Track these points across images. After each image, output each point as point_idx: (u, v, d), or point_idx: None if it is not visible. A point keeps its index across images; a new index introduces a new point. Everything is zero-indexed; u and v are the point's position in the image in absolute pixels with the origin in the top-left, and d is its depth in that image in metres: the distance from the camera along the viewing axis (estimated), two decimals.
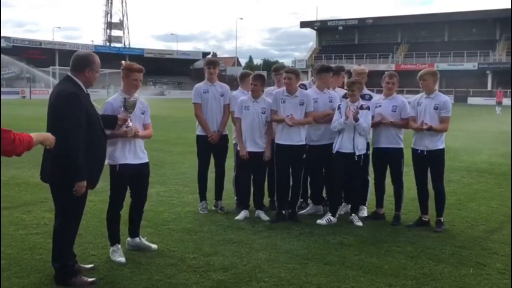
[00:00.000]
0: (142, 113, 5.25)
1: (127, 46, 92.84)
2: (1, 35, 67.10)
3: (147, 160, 5.21)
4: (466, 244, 5.74)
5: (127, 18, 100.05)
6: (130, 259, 5.03)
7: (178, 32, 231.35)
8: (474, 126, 23.90)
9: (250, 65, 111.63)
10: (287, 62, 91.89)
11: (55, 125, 4.20)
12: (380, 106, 6.67)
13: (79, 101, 4.24)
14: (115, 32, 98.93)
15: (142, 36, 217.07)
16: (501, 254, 5.41)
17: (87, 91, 4.48)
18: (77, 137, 4.15)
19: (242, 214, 6.66)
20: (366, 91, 6.97)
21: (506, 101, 56.08)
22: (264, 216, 6.64)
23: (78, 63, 4.44)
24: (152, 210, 6.98)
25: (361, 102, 6.50)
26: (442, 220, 6.41)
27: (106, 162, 4.79)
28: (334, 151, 6.54)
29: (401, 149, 6.66)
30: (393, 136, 6.61)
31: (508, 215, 7.16)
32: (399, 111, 6.60)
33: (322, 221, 6.50)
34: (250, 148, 6.63)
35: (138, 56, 75.52)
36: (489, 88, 63.01)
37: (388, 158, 6.68)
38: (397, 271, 4.88)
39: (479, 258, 5.29)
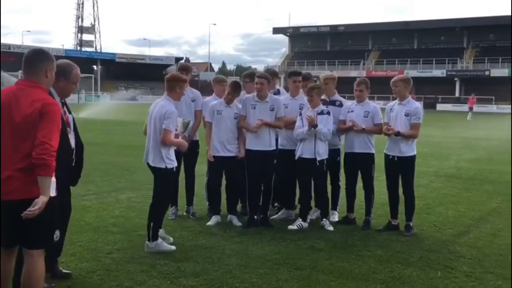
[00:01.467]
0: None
1: (99, 51, 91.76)
2: None
3: None
4: (434, 248, 5.85)
5: (98, 22, 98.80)
6: (100, 265, 4.97)
7: (150, 37, 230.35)
8: (443, 132, 24.36)
9: (223, 70, 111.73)
10: (260, 67, 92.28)
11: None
12: (352, 111, 6.74)
13: None
14: (87, 36, 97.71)
15: (114, 40, 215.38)
16: (468, 258, 5.52)
17: (63, 100, 4.42)
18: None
19: (214, 220, 6.65)
20: (337, 97, 7.05)
21: (476, 108, 57.46)
22: (236, 222, 6.64)
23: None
24: (122, 216, 6.93)
25: (322, 107, 6.58)
26: (411, 225, 6.51)
27: (163, 165, 5.41)
28: (296, 157, 6.60)
29: (372, 155, 6.74)
30: (364, 141, 6.68)
31: (475, 218, 7.32)
32: (371, 117, 6.68)
33: (293, 227, 6.53)
34: (222, 153, 6.63)
35: (109, 61, 74.85)
36: (457, 94, 64.40)
37: (359, 163, 6.75)
38: (367, 275, 4.93)
39: (446, 261, 5.38)
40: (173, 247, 5.52)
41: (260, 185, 6.64)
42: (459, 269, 5.16)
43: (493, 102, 59.93)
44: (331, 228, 6.52)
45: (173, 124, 5.46)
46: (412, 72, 65.90)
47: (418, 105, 6.65)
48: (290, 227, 6.53)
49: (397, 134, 6.36)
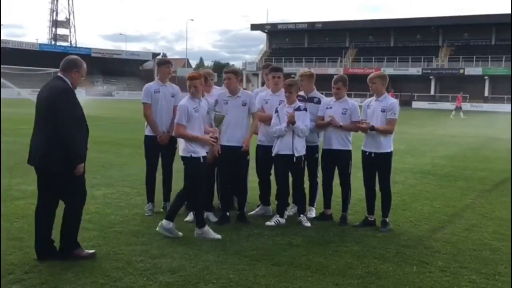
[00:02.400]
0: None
1: (74, 45, 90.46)
2: None
3: None
4: (410, 243, 5.91)
5: (73, 16, 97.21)
6: (74, 262, 4.89)
7: (127, 32, 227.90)
8: (418, 129, 24.66)
9: (200, 66, 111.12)
10: (238, 64, 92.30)
11: (46, 118, 4.80)
12: (331, 108, 6.74)
13: (73, 96, 4.93)
14: (61, 31, 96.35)
15: (89, 35, 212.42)
16: (443, 253, 5.59)
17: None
18: (72, 127, 4.79)
19: (191, 216, 6.60)
20: (316, 94, 7.04)
21: (451, 106, 58.35)
22: (212, 218, 6.61)
23: (66, 65, 5.01)
24: (98, 212, 6.83)
25: (298, 103, 6.58)
26: (388, 221, 6.57)
27: (188, 154, 5.78)
28: (273, 154, 6.60)
29: (349, 151, 6.77)
30: (341, 138, 6.69)
31: (450, 214, 7.42)
32: (350, 114, 6.68)
33: (270, 223, 6.53)
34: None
35: (85, 55, 73.67)
36: (432, 92, 65.27)
37: (336, 160, 6.77)
38: (344, 271, 4.96)
39: (422, 256, 5.44)
40: (219, 236, 5.84)
41: (231, 182, 6.64)
42: (434, 264, 5.22)
43: (468, 100, 60.85)
44: (308, 224, 6.53)
45: (183, 118, 5.79)
46: (388, 70, 66.57)
47: (395, 101, 6.71)
48: (268, 223, 6.52)
49: (372, 128, 6.40)
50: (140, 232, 5.99)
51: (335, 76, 6.91)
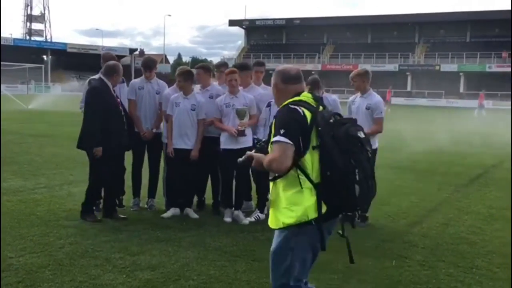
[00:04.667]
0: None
1: (49, 40, 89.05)
2: None
3: None
4: (389, 238, 5.96)
5: (48, 11, 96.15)
6: (52, 260, 4.82)
7: (103, 27, 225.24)
8: (396, 125, 24.88)
9: (179, 62, 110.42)
10: (216, 60, 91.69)
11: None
12: None
13: (99, 93, 6.15)
14: (36, 25, 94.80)
15: (65, 30, 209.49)
16: (421, 247, 5.66)
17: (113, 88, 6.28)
18: (89, 116, 6.12)
19: (170, 212, 6.56)
20: None
21: (427, 102, 59.11)
22: (192, 214, 6.57)
23: (107, 70, 6.27)
24: (75, 209, 6.72)
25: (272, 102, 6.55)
26: (367, 216, 6.61)
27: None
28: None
29: None
30: None
31: (428, 209, 7.51)
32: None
33: (251, 219, 6.53)
34: (179, 145, 6.52)
35: (60, 51, 72.72)
36: (408, 89, 65.94)
37: None
38: (324, 266, 4.94)
39: (400, 251, 5.50)
40: (247, 221, 6.38)
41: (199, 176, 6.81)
42: (412, 258, 5.28)
43: (443, 96, 61.77)
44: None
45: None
46: (366, 66, 66.36)
47: (380, 99, 6.66)
48: (248, 219, 6.51)
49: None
50: (119, 229, 5.93)
51: (314, 80, 6.79)
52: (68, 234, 5.65)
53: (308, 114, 2.96)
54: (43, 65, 61.58)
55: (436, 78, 63.95)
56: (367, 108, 6.47)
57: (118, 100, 6.36)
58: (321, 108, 3.06)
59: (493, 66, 61.58)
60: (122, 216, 6.41)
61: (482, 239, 6.01)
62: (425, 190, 8.88)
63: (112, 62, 6.40)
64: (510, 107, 36.24)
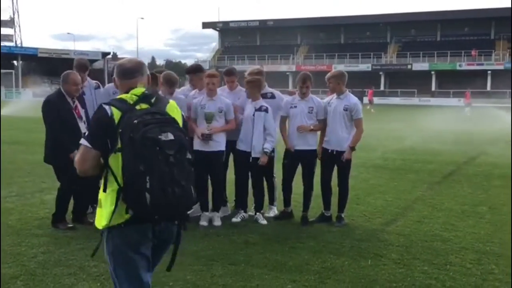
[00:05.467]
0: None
1: (19, 45, 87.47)
2: None
3: None
4: (364, 237, 6.00)
5: (18, 15, 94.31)
6: (24, 270, 4.72)
7: (75, 31, 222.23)
8: (370, 124, 25.11)
9: (153, 65, 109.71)
10: (190, 62, 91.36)
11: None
12: (295, 107, 6.57)
13: (53, 105, 6.15)
14: (5, 30, 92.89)
15: (36, 35, 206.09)
16: (396, 245, 5.71)
17: (72, 98, 6.17)
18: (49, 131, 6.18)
19: None
20: (268, 89, 7.00)
21: (399, 101, 59.84)
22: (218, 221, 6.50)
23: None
24: (48, 217, 6.56)
25: (260, 103, 6.53)
26: (343, 216, 6.64)
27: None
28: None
29: (314, 151, 6.64)
30: (306, 137, 6.57)
31: (402, 207, 7.59)
32: (316, 112, 6.57)
33: (236, 219, 6.57)
34: None
35: (31, 55, 71.49)
36: (382, 88, 66.67)
37: (300, 160, 6.63)
38: (300, 267, 4.98)
39: (376, 249, 5.54)
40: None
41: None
42: (388, 256, 5.32)
43: (415, 95, 62.64)
44: (264, 222, 6.53)
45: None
46: (339, 66, 67.54)
47: (357, 100, 6.65)
48: (234, 219, 6.56)
49: (353, 149, 6.44)
50: (93, 237, 5.82)
51: (302, 75, 6.72)
52: (40, 243, 5.54)
53: (116, 114, 2.77)
54: (13, 71, 60.47)
55: (408, 77, 64.88)
56: (345, 110, 6.46)
57: (77, 110, 6.22)
58: (142, 106, 2.82)
59: (464, 65, 62.73)
60: (91, 221, 6.29)
61: (455, 235, 6.09)
62: (399, 188, 8.98)
63: (66, 72, 6.32)
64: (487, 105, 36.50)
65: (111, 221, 2.77)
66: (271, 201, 7.09)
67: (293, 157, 6.64)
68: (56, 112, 6.07)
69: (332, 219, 6.64)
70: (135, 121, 2.68)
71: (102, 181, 2.86)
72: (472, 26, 65.88)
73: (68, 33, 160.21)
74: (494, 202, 7.88)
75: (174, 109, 2.99)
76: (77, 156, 2.88)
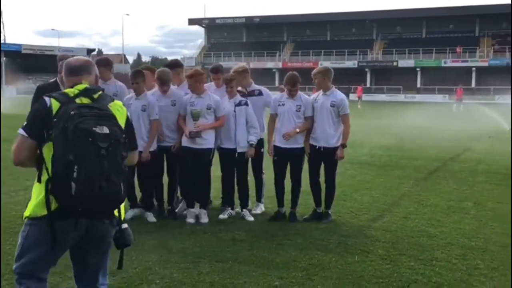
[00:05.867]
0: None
1: (3, 42, 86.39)
2: None
3: None
4: (351, 233, 6.02)
5: (0, 11, 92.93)
6: (8, 269, 4.66)
7: (59, 28, 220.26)
8: (356, 120, 25.22)
9: (138, 62, 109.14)
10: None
11: None
12: (283, 105, 6.53)
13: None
14: None
15: (21, 31, 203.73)
16: (383, 241, 5.73)
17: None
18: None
19: (130, 213, 6.46)
20: (255, 86, 6.98)
21: (385, 97, 60.19)
22: (151, 218, 6.46)
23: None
24: None
25: (239, 98, 6.55)
26: (330, 212, 6.64)
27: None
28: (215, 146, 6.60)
29: (302, 148, 6.62)
30: (295, 136, 6.52)
31: (388, 203, 7.63)
32: (303, 110, 6.54)
33: (224, 216, 6.57)
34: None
35: (15, 52, 70.71)
36: (368, 84, 66.98)
37: (289, 157, 6.60)
38: (288, 264, 4.98)
39: (363, 246, 5.55)
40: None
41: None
42: (374, 252, 5.34)
43: (401, 92, 63.06)
44: (251, 218, 6.53)
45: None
46: (325, 63, 67.62)
47: (344, 96, 6.66)
48: (221, 216, 6.54)
49: (344, 146, 6.44)
50: None
51: (291, 77, 6.58)
52: None
53: (55, 105, 2.79)
54: None
55: (394, 74, 65.27)
56: (332, 106, 6.45)
57: None
58: (83, 100, 2.83)
59: (448, 61, 63.25)
60: None
61: (441, 231, 6.14)
62: (386, 185, 9.03)
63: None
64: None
65: (35, 211, 2.80)
66: (259, 198, 7.05)
67: (281, 155, 6.61)
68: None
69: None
70: (72, 112, 2.70)
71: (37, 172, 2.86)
72: (456, 23, 66.40)
73: (53, 29, 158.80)
74: (478, 198, 7.96)
75: (118, 108, 2.99)
76: (13, 145, 2.86)
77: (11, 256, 5.00)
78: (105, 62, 6.81)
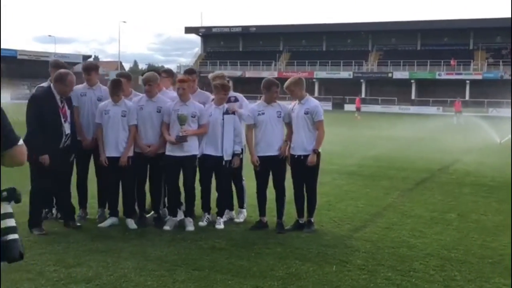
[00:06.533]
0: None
1: None
2: None
3: None
4: (332, 243, 5.99)
5: None
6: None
7: (56, 34, 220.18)
8: (349, 131, 25.30)
9: (134, 69, 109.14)
10: (173, 67, 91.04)
11: None
12: (263, 113, 6.51)
13: (34, 101, 6.16)
14: None
15: (17, 37, 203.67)
16: (362, 251, 5.71)
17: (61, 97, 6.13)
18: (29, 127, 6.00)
19: (108, 221, 6.43)
20: (232, 93, 6.97)
21: (380, 108, 60.34)
22: (132, 225, 6.42)
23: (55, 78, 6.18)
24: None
25: (226, 106, 6.58)
26: (313, 221, 6.61)
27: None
28: (199, 154, 6.58)
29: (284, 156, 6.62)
30: (276, 143, 6.53)
31: (372, 213, 7.61)
32: (283, 117, 6.55)
33: (203, 223, 6.59)
34: (111, 153, 6.41)
35: (10, 57, 70.63)
36: (363, 95, 67.10)
37: (271, 166, 6.58)
38: (265, 272, 4.96)
39: (342, 256, 5.53)
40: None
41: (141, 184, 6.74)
42: (353, 262, 5.32)
43: (396, 103, 63.21)
44: (221, 226, 6.53)
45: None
46: (321, 73, 68.19)
47: (317, 103, 6.68)
48: (200, 223, 6.54)
49: (316, 152, 6.40)
50: (56, 241, 5.76)
51: (267, 81, 6.69)
52: None
53: None
54: None
55: (388, 85, 65.47)
56: (306, 113, 6.46)
57: (64, 109, 6.17)
58: None
59: (443, 74, 63.48)
60: (79, 224, 6.41)
61: (422, 242, 6.12)
62: (372, 195, 9.01)
63: (64, 71, 6.24)
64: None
65: None
66: (241, 204, 7.03)
67: (262, 164, 6.59)
68: (39, 109, 6.00)
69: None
70: None
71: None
72: (451, 36, 66.74)
73: (49, 36, 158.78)
74: (462, 210, 7.95)
75: None
76: None
77: None
78: (90, 68, 6.85)
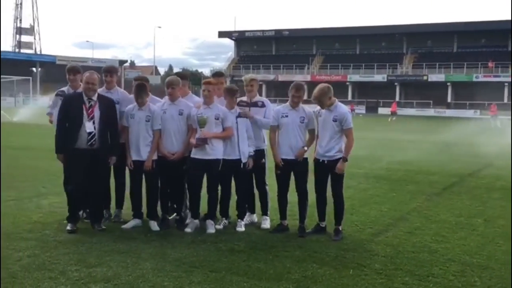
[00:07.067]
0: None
1: (38, 53, 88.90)
2: None
3: None
4: (351, 247, 5.96)
5: (38, 23, 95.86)
6: (7, 273, 4.78)
7: (94, 40, 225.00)
8: (380, 135, 25.03)
9: (169, 74, 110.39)
10: (206, 71, 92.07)
11: None
12: (287, 116, 6.53)
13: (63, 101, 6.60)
14: (25, 38, 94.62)
15: (56, 42, 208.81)
16: (382, 255, 5.66)
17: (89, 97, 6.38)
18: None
19: (131, 223, 6.55)
20: (258, 98, 6.99)
21: (414, 112, 59.38)
22: (154, 227, 6.53)
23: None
24: (40, 222, 6.73)
25: (238, 110, 6.61)
26: (340, 229, 6.47)
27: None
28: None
29: (305, 159, 6.60)
30: (297, 147, 6.50)
31: (396, 218, 7.53)
32: (307, 123, 6.52)
33: (219, 226, 6.62)
34: (135, 157, 6.55)
35: (49, 63, 72.61)
36: (397, 99, 66.24)
37: (293, 169, 6.58)
38: (281, 275, 4.98)
39: (360, 260, 5.49)
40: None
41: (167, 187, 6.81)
42: (371, 266, 5.28)
43: (431, 106, 62.19)
44: (242, 229, 6.56)
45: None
46: (354, 76, 67.75)
47: (346, 109, 6.56)
48: (217, 226, 6.58)
49: (345, 160, 6.36)
50: (80, 241, 5.91)
51: (296, 84, 6.63)
52: (28, 246, 5.62)
53: None
54: (30, 78, 61.47)
55: (424, 88, 64.45)
56: (334, 120, 6.38)
57: (92, 109, 6.30)
58: None
59: (480, 76, 62.13)
60: (104, 227, 6.52)
61: (444, 247, 6.03)
62: (397, 199, 8.91)
63: (88, 71, 6.60)
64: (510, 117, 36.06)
65: None
66: (265, 211, 6.98)
67: (284, 167, 6.60)
68: (65, 108, 6.39)
69: (327, 230, 6.55)
70: None
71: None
72: (489, 38, 65.28)
73: (87, 41, 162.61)
74: (490, 215, 7.79)
75: None
76: None
77: (11, 260, 5.18)
78: (111, 70, 7.09)
